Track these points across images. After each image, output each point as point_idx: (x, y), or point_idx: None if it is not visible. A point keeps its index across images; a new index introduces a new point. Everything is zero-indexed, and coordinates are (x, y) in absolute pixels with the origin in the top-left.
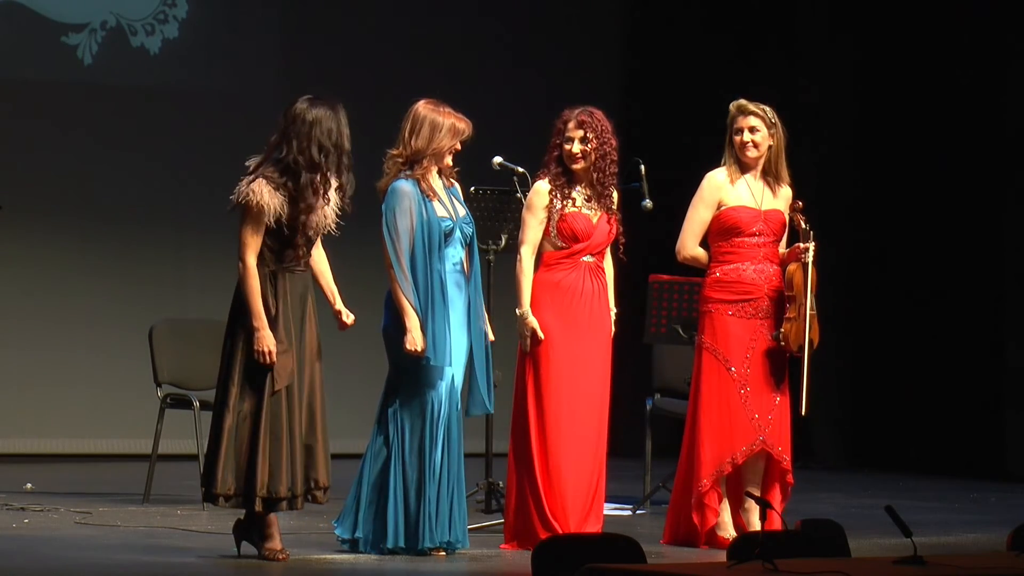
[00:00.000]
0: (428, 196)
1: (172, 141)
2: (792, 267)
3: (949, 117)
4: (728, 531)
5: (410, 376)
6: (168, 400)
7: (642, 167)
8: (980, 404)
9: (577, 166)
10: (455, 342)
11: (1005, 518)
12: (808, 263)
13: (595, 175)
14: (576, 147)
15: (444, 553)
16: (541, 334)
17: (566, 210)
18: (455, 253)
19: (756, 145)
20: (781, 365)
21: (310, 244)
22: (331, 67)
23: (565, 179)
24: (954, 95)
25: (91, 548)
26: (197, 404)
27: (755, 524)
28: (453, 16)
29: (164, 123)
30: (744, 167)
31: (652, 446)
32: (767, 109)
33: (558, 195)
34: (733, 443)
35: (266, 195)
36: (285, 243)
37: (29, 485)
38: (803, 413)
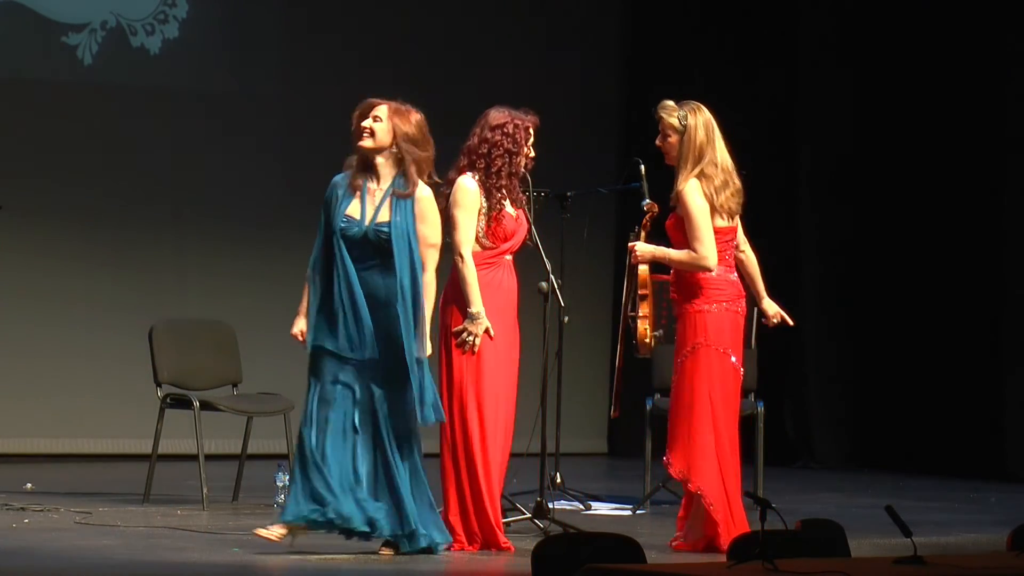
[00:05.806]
0: (352, 192)
1: (172, 141)
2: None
3: (949, 117)
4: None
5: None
6: (168, 400)
7: (642, 167)
8: (980, 404)
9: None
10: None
11: (1005, 518)
12: (630, 264)
13: (502, 174)
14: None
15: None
16: (492, 332)
17: (496, 210)
18: (370, 256)
19: (666, 152)
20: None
21: None
22: (331, 67)
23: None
24: (953, 96)
25: (91, 548)
26: (197, 404)
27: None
28: (453, 17)
29: (164, 123)
30: None
31: (652, 446)
32: (688, 111)
33: (485, 195)
34: None
35: None
36: None
37: (29, 485)
38: (611, 415)
